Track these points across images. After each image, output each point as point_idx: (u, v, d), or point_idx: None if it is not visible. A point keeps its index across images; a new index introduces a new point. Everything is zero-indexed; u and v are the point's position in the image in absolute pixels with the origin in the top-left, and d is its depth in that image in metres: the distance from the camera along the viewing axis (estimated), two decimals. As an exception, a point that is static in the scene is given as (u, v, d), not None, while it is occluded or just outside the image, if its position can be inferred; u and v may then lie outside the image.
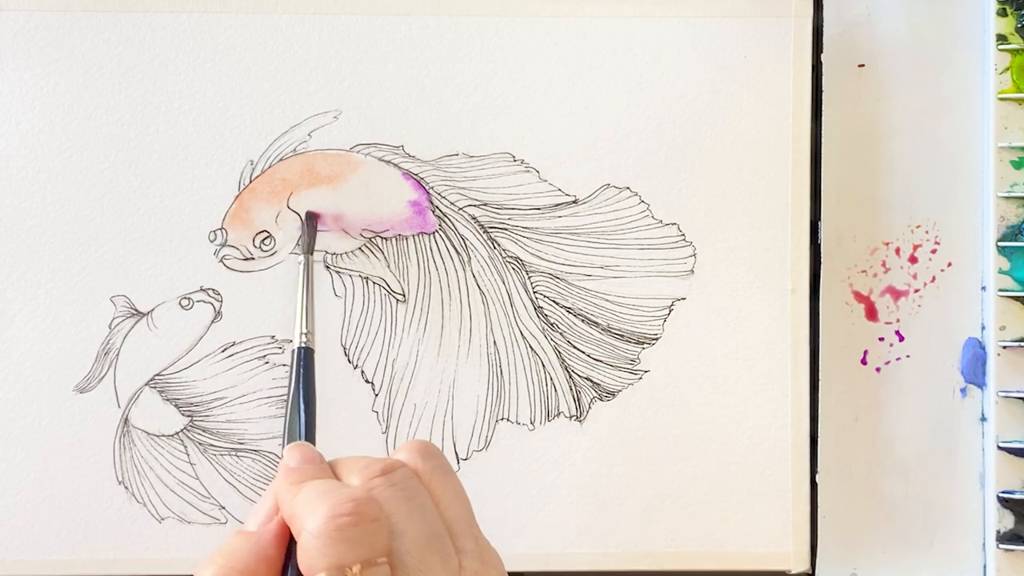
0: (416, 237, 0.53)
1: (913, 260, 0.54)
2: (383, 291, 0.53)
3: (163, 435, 0.53)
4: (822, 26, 0.55)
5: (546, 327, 0.54)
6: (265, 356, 0.53)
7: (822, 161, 0.54)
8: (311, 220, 0.52)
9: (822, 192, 0.54)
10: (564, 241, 0.54)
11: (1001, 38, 0.53)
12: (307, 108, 0.53)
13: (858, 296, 0.54)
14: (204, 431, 0.53)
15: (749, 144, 0.54)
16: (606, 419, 0.53)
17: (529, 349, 0.54)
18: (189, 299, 0.53)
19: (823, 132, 0.54)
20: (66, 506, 0.52)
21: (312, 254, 0.51)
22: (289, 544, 0.36)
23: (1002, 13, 0.53)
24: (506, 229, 0.54)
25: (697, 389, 0.53)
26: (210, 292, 0.53)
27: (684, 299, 0.53)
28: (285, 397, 0.43)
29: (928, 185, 0.54)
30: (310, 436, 0.42)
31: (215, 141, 0.53)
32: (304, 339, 0.45)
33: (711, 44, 0.54)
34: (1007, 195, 0.53)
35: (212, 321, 0.53)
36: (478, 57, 0.54)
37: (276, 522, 0.37)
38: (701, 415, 0.53)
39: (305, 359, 0.44)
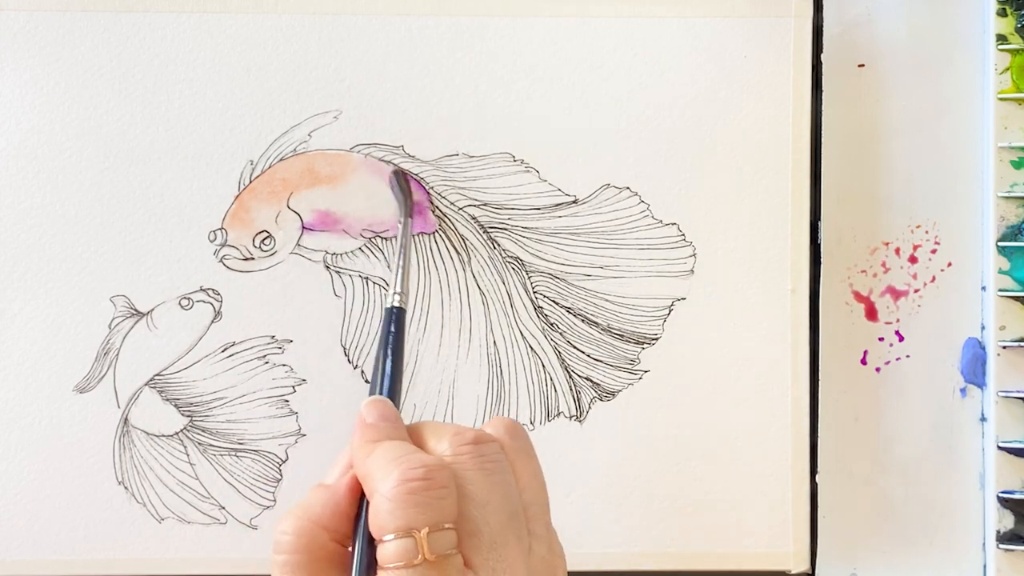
0: (416, 237, 0.53)
1: (913, 260, 0.54)
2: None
3: (163, 435, 0.53)
4: (822, 26, 0.55)
5: (546, 327, 0.54)
6: (265, 356, 0.53)
7: (822, 161, 0.54)
8: (402, 179, 0.52)
9: (822, 192, 0.54)
10: (564, 241, 0.54)
11: (1001, 38, 0.53)
12: (307, 108, 0.53)
13: (858, 296, 0.54)
14: (204, 431, 0.53)
15: (749, 144, 0.54)
16: (606, 419, 0.53)
17: (529, 349, 0.54)
18: (189, 299, 0.53)
19: (823, 132, 0.54)
20: (66, 506, 0.52)
21: (411, 217, 0.50)
22: (361, 499, 0.37)
23: (1002, 13, 0.53)
24: (506, 229, 0.54)
25: (697, 389, 0.53)
26: (210, 292, 0.53)
27: (684, 299, 0.53)
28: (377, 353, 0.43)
29: (928, 185, 0.54)
30: (393, 394, 0.42)
31: (215, 141, 0.53)
32: (397, 299, 0.45)
33: (711, 44, 0.54)
34: (1007, 195, 0.53)
35: (212, 321, 0.53)
36: (478, 57, 0.54)
37: (350, 476, 0.38)
38: (701, 415, 0.53)
39: (397, 318, 0.44)
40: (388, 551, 0.34)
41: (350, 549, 0.37)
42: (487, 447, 0.37)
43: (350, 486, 0.38)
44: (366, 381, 0.53)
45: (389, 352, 0.43)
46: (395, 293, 0.45)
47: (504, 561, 0.35)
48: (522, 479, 0.38)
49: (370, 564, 0.35)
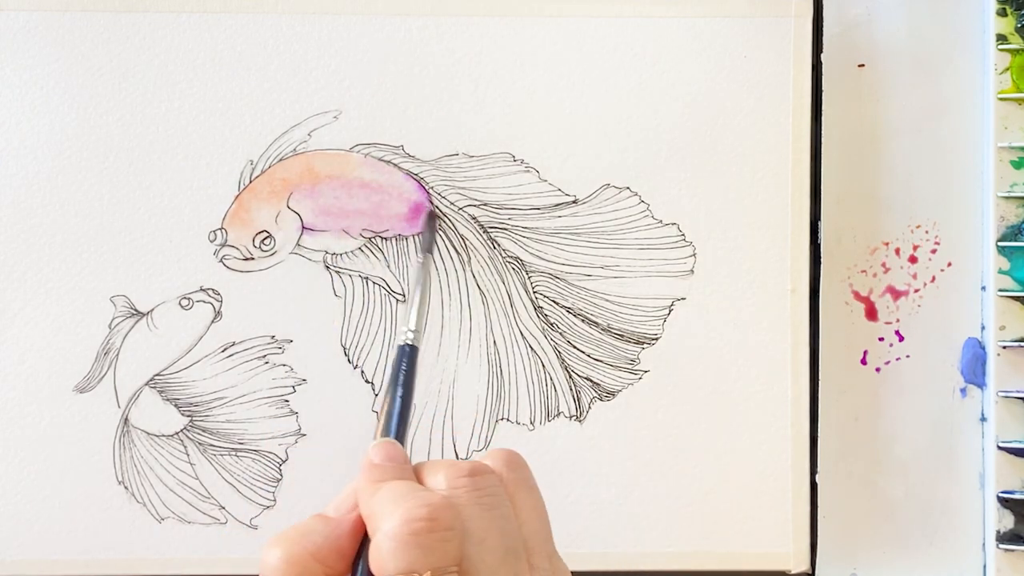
0: (416, 237, 0.53)
1: (913, 260, 0.54)
2: (383, 291, 0.53)
3: (163, 435, 0.53)
4: (822, 26, 0.55)
5: (546, 327, 0.54)
6: (265, 356, 0.53)
7: (822, 161, 0.54)
8: (432, 220, 0.52)
9: (822, 192, 0.54)
10: (564, 241, 0.54)
11: (1001, 38, 0.53)
12: (307, 108, 0.53)
13: (858, 296, 0.54)
14: (204, 431, 0.53)
15: (749, 144, 0.54)
16: (606, 419, 0.53)
17: (529, 349, 0.54)
18: (189, 299, 0.53)
19: (823, 132, 0.54)
20: (66, 506, 0.52)
21: (431, 253, 0.51)
22: (363, 540, 0.36)
23: (1002, 13, 0.53)
24: (506, 229, 0.54)
25: (697, 389, 0.53)
26: (210, 292, 0.53)
27: (684, 299, 0.53)
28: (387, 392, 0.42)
29: (928, 185, 0.54)
30: (400, 435, 0.40)
31: (215, 141, 0.53)
32: (411, 337, 0.44)
33: (711, 44, 0.54)
34: (1007, 195, 0.53)
35: (212, 321, 0.53)
36: (478, 57, 0.54)
37: (356, 513, 0.37)
38: (701, 415, 0.53)
39: (409, 357, 0.43)
40: None
41: None
42: (484, 479, 0.36)
43: (354, 524, 0.36)
44: (366, 381, 0.53)
45: (399, 390, 0.42)
46: (408, 331, 0.44)
47: None
48: (522, 512, 0.37)
49: None
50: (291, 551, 0.35)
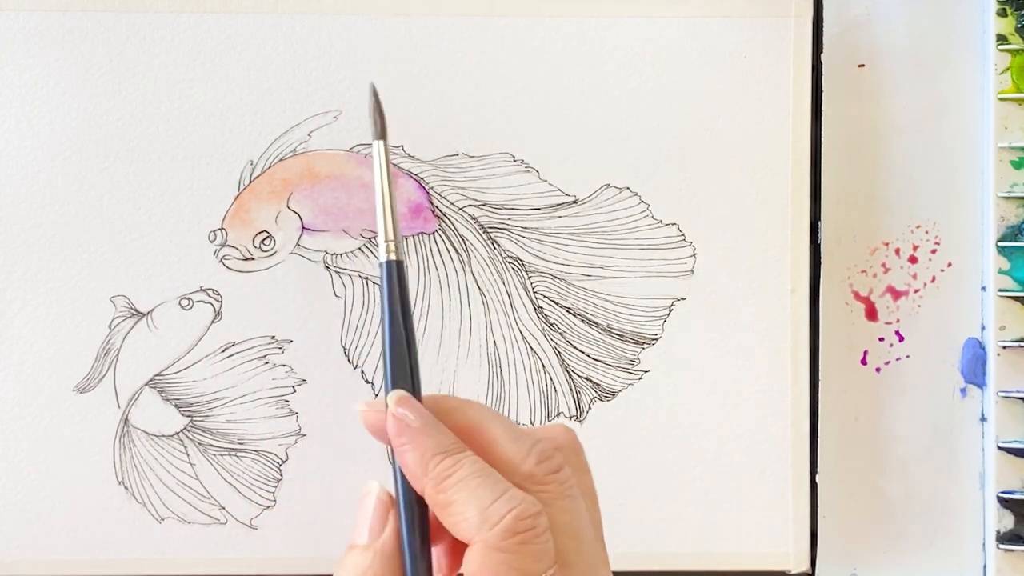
0: (416, 237, 0.53)
1: (913, 260, 0.54)
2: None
3: (163, 435, 0.53)
4: (822, 26, 0.55)
5: (546, 327, 0.54)
6: (265, 356, 0.53)
7: (822, 161, 0.54)
8: (376, 98, 0.40)
9: (822, 192, 0.54)
10: (564, 241, 0.54)
11: (1001, 38, 0.53)
12: (307, 108, 0.53)
13: (858, 296, 0.54)
14: (204, 431, 0.53)
15: (749, 144, 0.54)
16: (606, 419, 0.53)
17: (529, 349, 0.54)
18: (189, 299, 0.53)
19: (823, 132, 0.54)
20: (66, 506, 0.52)
21: (384, 138, 0.39)
22: (412, 545, 0.35)
23: (1002, 13, 0.53)
24: (506, 229, 0.54)
25: (697, 389, 0.53)
26: (210, 292, 0.53)
27: (684, 299, 0.53)
28: (380, 329, 0.37)
29: (928, 185, 0.54)
30: (416, 378, 0.37)
31: (215, 141, 0.53)
32: (392, 250, 0.37)
33: (711, 44, 0.54)
34: (1007, 195, 0.53)
35: (212, 321, 0.53)
36: (478, 57, 0.54)
37: (392, 530, 0.35)
38: (701, 415, 0.53)
39: (399, 274, 0.37)
40: None
41: None
42: (564, 474, 0.36)
43: (395, 543, 0.35)
44: (366, 381, 0.53)
45: (402, 324, 0.37)
46: (387, 241, 0.37)
47: None
48: (587, 497, 0.37)
49: None
50: None
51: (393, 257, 0.37)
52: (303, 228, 0.53)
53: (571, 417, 0.53)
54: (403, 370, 0.37)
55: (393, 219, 0.38)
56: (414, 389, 0.37)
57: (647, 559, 0.53)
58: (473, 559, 0.33)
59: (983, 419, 0.54)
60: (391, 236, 0.37)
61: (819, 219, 0.54)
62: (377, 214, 0.38)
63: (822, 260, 0.54)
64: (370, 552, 0.35)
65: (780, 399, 0.53)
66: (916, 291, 0.54)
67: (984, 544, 0.54)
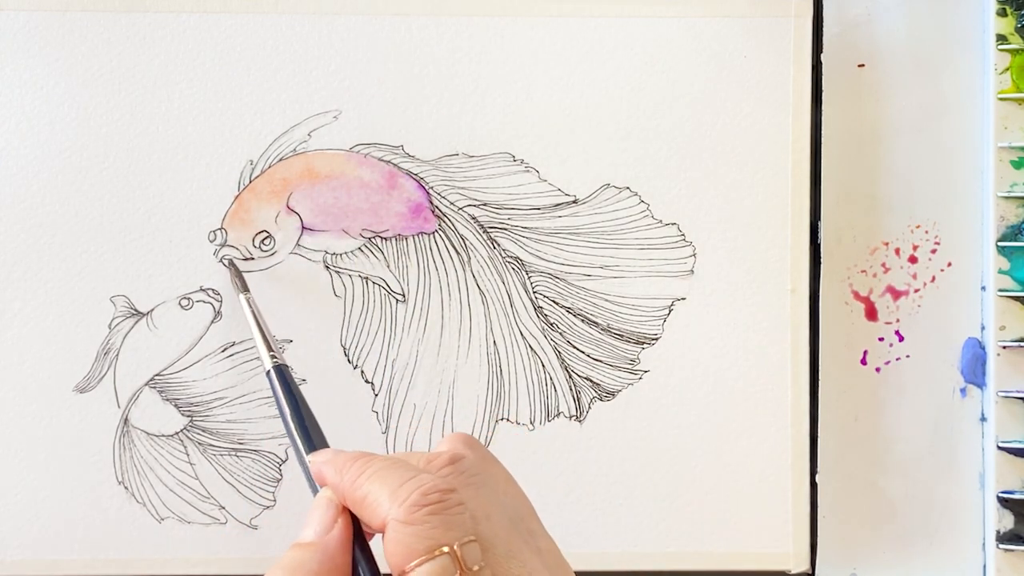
0: (416, 237, 0.53)
1: (913, 260, 0.54)
2: (383, 291, 0.53)
3: (163, 435, 0.53)
4: (822, 26, 0.55)
5: (546, 327, 0.54)
6: (265, 356, 0.53)
7: (822, 161, 0.54)
8: (233, 266, 0.52)
9: (822, 192, 0.54)
10: (564, 241, 0.54)
11: (1001, 38, 0.53)
12: (307, 108, 0.53)
13: (858, 296, 0.54)
14: (204, 431, 0.53)
15: (749, 144, 0.54)
16: (606, 419, 0.53)
17: (529, 349, 0.54)
18: (189, 299, 0.53)
19: (823, 132, 0.54)
20: (66, 506, 0.52)
21: (248, 291, 0.51)
22: (353, 547, 0.36)
23: (1002, 13, 0.53)
24: (506, 229, 0.54)
25: (697, 389, 0.53)
26: (210, 292, 0.53)
27: (684, 299, 0.53)
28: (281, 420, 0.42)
29: (928, 185, 0.54)
30: (316, 442, 0.41)
31: (215, 141, 0.53)
32: (276, 360, 0.45)
33: (711, 44, 0.54)
34: (1007, 195, 0.53)
35: (212, 321, 0.53)
36: (478, 57, 0.54)
37: (341, 528, 0.36)
38: (701, 415, 0.53)
39: (284, 376, 0.44)
40: (423, 575, 0.33)
41: None
42: (465, 463, 0.36)
43: (341, 539, 0.36)
44: (366, 381, 0.53)
45: (301, 411, 0.42)
46: (271, 355, 0.46)
47: (525, 566, 0.35)
48: (499, 486, 0.37)
49: None
50: None
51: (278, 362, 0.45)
52: (303, 228, 0.53)
53: (571, 417, 0.53)
54: (310, 437, 0.41)
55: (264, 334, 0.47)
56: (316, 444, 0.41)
57: (647, 559, 0.53)
58: (387, 539, 0.34)
59: (983, 419, 0.54)
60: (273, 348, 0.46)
61: (819, 219, 0.54)
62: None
63: (822, 260, 0.54)
64: (318, 549, 0.36)
65: (780, 399, 0.53)
66: (916, 291, 0.54)
67: (984, 544, 0.54)
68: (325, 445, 0.41)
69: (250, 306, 0.49)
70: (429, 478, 0.34)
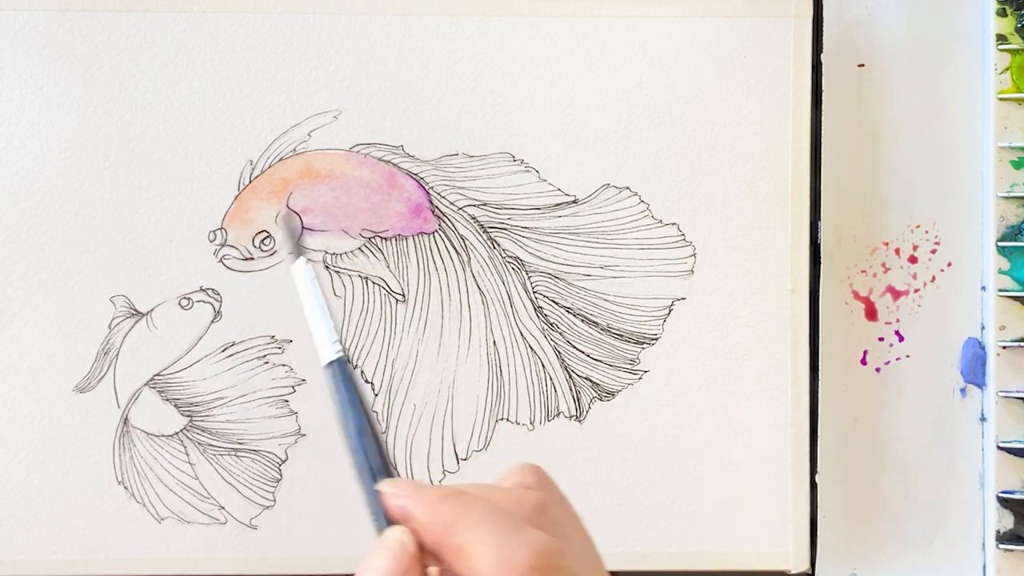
0: (416, 237, 0.53)
1: (913, 260, 0.54)
2: (383, 291, 0.53)
3: (163, 435, 0.53)
4: (822, 26, 0.55)
5: (546, 327, 0.54)
6: (265, 356, 0.53)
7: (822, 161, 0.54)
8: (290, 222, 0.47)
9: (822, 192, 0.54)
10: (564, 241, 0.54)
11: (1001, 38, 0.53)
12: (307, 108, 0.53)
13: (858, 296, 0.54)
14: (204, 431, 0.53)
15: (749, 144, 0.54)
16: (606, 419, 0.53)
17: (529, 349, 0.53)
18: (189, 299, 0.53)
19: (823, 132, 0.54)
20: (66, 506, 0.52)
21: (302, 255, 0.40)
22: None
23: (1002, 13, 0.53)
24: (506, 229, 0.54)
25: (697, 389, 0.53)
26: (210, 292, 0.53)
27: (684, 299, 0.53)
28: (342, 424, 0.36)
29: (928, 185, 0.54)
30: (388, 468, 0.36)
31: (215, 141, 0.53)
32: (337, 349, 0.37)
33: (711, 44, 0.54)
34: (1007, 195, 0.53)
35: (212, 321, 0.53)
36: (478, 57, 0.54)
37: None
38: (701, 415, 0.53)
39: (345, 370, 0.37)
40: None
41: None
42: (551, 512, 0.35)
43: None
44: (367, 381, 0.53)
45: (363, 412, 0.36)
46: (334, 343, 0.37)
47: None
48: (580, 537, 0.36)
49: None
50: None
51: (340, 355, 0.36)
52: (303, 228, 0.53)
53: (571, 417, 0.53)
54: (383, 458, 0.36)
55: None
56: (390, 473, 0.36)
57: (647, 559, 0.53)
58: None
59: (983, 419, 0.54)
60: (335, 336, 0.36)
61: (819, 219, 0.54)
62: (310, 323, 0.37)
63: (822, 260, 0.54)
64: None
65: (780, 399, 0.53)
66: (916, 291, 0.54)
67: (984, 544, 0.54)
68: (395, 467, 0.37)
69: (308, 275, 0.38)
70: (538, 537, 0.32)
